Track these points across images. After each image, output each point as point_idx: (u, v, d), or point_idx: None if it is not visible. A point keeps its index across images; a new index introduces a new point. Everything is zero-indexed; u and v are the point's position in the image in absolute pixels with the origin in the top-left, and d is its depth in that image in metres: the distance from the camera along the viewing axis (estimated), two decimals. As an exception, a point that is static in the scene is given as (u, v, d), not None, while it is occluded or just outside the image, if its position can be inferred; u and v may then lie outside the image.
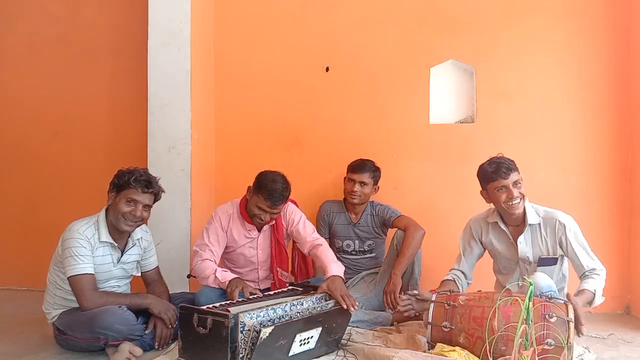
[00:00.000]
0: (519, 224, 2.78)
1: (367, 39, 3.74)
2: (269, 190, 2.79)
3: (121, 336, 2.47)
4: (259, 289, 3.05)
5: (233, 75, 3.88)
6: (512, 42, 3.58)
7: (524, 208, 2.72)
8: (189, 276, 3.31)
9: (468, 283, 2.89)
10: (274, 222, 3.02)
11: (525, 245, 2.76)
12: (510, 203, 2.68)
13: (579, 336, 2.40)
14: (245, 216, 2.98)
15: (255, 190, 2.86)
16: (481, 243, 2.91)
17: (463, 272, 2.88)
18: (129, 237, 2.75)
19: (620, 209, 3.47)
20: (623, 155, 3.47)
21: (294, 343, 2.29)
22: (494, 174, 2.69)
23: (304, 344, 2.35)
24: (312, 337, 2.37)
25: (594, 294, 2.53)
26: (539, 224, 2.74)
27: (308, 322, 2.33)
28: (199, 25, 3.64)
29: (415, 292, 2.76)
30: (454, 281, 2.82)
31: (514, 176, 2.68)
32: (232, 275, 2.75)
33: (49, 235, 2.81)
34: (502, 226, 2.80)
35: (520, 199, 2.69)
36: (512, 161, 2.72)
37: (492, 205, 2.82)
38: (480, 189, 2.81)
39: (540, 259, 2.73)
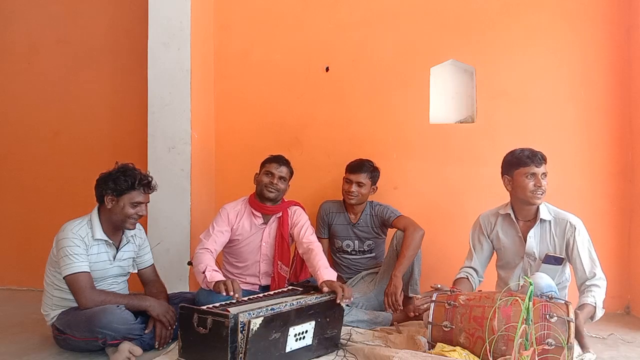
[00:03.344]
0: (530, 219, 2.79)
1: (367, 39, 3.74)
2: (273, 156, 3.15)
3: (119, 335, 2.48)
4: (260, 285, 3.12)
5: (233, 75, 3.88)
6: (512, 41, 3.58)
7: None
8: (189, 263, 3.32)
9: (480, 281, 2.88)
10: (280, 213, 3.09)
11: (533, 240, 2.76)
12: (537, 192, 2.68)
13: (585, 352, 2.42)
14: (254, 204, 3.09)
15: (262, 164, 3.15)
16: (488, 238, 2.90)
17: (475, 269, 2.87)
18: (122, 234, 2.76)
19: (620, 209, 3.47)
20: (623, 155, 3.47)
21: (288, 337, 2.30)
22: (528, 159, 2.69)
23: (300, 339, 2.36)
24: (306, 331, 2.37)
25: (595, 307, 2.52)
26: (550, 222, 2.75)
27: (299, 313, 2.33)
28: (199, 25, 3.64)
29: (438, 285, 2.61)
30: (467, 279, 2.81)
31: (544, 167, 2.70)
32: (219, 277, 2.72)
33: (48, 235, 2.80)
34: (514, 218, 2.81)
35: (544, 192, 2.70)
36: None
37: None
38: (503, 174, 2.80)
39: (546, 255, 2.73)
